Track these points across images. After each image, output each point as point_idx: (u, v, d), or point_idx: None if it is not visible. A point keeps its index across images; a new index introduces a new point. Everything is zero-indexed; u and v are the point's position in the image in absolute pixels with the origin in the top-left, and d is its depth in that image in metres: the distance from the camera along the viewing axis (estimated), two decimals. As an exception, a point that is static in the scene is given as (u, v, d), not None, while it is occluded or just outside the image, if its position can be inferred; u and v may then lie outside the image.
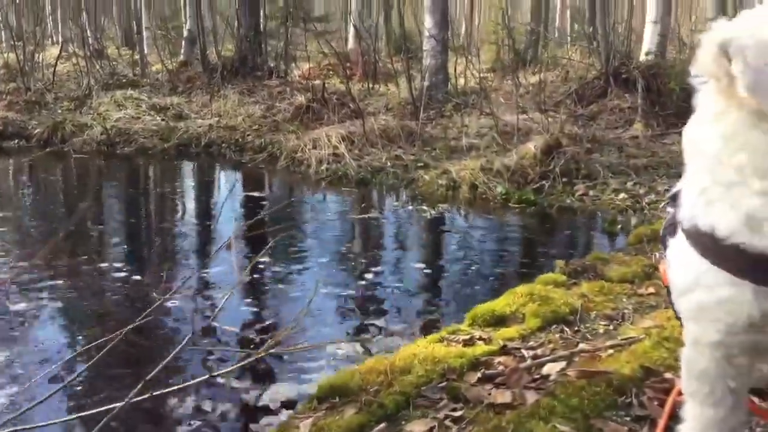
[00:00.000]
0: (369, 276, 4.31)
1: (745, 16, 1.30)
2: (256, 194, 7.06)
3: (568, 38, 18.04)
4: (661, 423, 1.75)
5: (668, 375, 2.13)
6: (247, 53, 12.00)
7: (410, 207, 6.27)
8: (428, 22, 9.99)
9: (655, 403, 1.94)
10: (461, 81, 10.80)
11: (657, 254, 1.65)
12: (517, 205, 6.04)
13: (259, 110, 9.64)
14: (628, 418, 1.91)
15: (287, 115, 9.19)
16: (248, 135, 8.75)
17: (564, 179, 6.51)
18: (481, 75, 13.20)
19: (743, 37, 1.22)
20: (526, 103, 9.33)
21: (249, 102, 10.22)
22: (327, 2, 23.01)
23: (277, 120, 9.13)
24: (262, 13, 13.02)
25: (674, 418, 1.92)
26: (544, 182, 6.45)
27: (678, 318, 1.54)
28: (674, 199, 1.54)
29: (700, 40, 1.33)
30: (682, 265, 1.40)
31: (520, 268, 4.36)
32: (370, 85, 11.94)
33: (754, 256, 1.24)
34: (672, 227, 1.50)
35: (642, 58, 10.57)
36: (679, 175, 5.35)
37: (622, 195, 6.13)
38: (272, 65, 12.49)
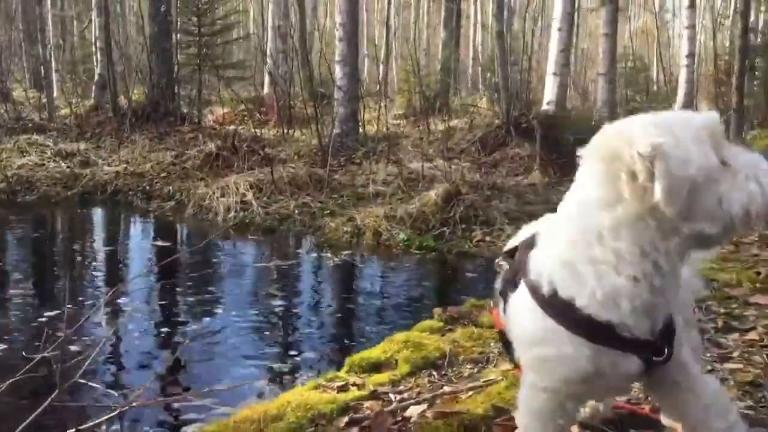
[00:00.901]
0: (267, 323, 4.44)
1: (670, 122, 1.39)
2: (160, 243, 7.07)
3: (480, 87, 18.88)
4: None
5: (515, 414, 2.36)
6: (159, 99, 12.02)
7: (315, 254, 6.43)
8: (338, 72, 10.32)
9: (494, 438, 2.16)
10: (374, 127, 11.14)
11: (491, 302, 1.86)
12: (417, 252, 6.29)
13: (169, 157, 9.67)
14: (475, 455, 2.11)
15: (197, 162, 9.25)
16: (156, 182, 8.77)
17: (463, 226, 6.82)
18: (393, 122, 13.69)
19: (672, 147, 1.32)
20: (434, 151, 9.71)
21: (159, 148, 10.23)
22: (242, 48, 23.20)
23: (187, 167, 9.18)
24: (175, 59, 13.08)
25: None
26: (444, 229, 6.75)
27: (513, 362, 1.75)
28: (511, 256, 1.74)
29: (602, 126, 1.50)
30: (528, 320, 1.56)
31: (412, 313, 4.57)
32: (285, 130, 12.13)
33: (601, 324, 1.45)
34: (512, 283, 1.68)
35: (544, 107, 11.22)
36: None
37: (516, 241, 6.49)
38: (185, 111, 12.53)
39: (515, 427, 2.24)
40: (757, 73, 15.66)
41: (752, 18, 17.03)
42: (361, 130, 10.77)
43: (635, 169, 1.33)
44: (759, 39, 16.10)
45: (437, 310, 3.43)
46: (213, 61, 13.66)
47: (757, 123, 14.05)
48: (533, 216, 6.42)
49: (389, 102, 16.13)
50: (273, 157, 9.25)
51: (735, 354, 2.94)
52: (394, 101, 16.40)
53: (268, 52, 15.90)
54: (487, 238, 6.62)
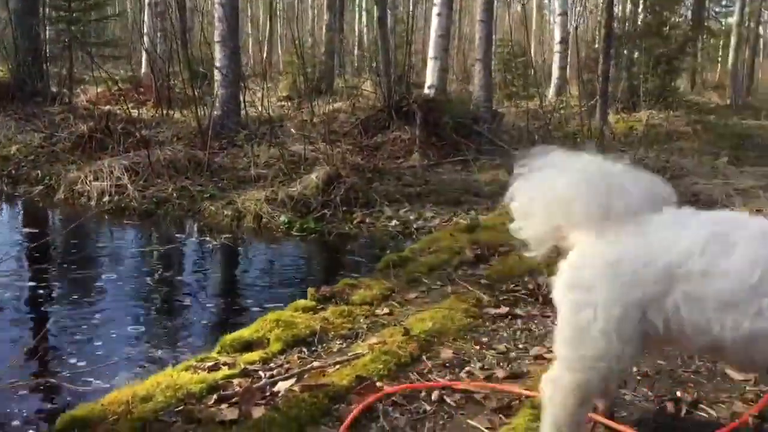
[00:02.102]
0: (144, 307, 4.41)
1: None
2: (28, 229, 6.76)
3: (366, 69, 19.02)
4: (350, 416, 2.13)
5: (379, 383, 2.52)
6: (26, 77, 11.37)
7: (194, 238, 6.37)
8: (218, 53, 10.13)
9: (353, 405, 2.31)
10: (257, 110, 11.02)
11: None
12: (298, 234, 6.36)
13: (38, 139, 9.19)
14: (338, 422, 2.24)
15: (68, 144, 8.84)
16: (24, 166, 8.33)
17: (344, 208, 6.94)
18: (277, 104, 13.60)
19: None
20: (317, 134, 9.76)
21: (26, 130, 9.71)
22: (118, 26, 22.21)
23: (57, 150, 8.77)
24: (43, 35, 12.38)
25: (370, 416, 2.30)
26: (325, 211, 6.84)
27: None
28: None
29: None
30: None
31: (291, 293, 4.64)
32: (164, 112, 11.79)
33: None
34: None
35: (425, 91, 11.49)
36: (447, 202, 5.99)
37: (394, 222, 6.68)
38: (55, 91, 11.91)
39: (374, 394, 2.40)
40: (621, 60, 16.69)
41: (618, 7, 18.13)
42: (243, 112, 10.64)
43: None
44: (625, 27, 17.11)
45: (310, 290, 3.55)
46: (85, 38, 13.03)
47: (621, 108, 14.98)
48: (411, 198, 6.71)
49: (273, 84, 15.99)
50: (150, 139, 8.99)
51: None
52: (277, 83, 16.25)
53: (144, 30, 15.33)
54: (367, 220, 6.78)
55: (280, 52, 24.63)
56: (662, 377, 2.65)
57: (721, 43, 24.56)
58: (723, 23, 24.07)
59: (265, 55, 20.38)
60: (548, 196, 1.93)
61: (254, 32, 27.79)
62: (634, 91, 15.81)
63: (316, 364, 2.68)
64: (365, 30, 23.70)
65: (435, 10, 11.64)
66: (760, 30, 26.40)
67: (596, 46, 17.71)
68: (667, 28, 16.88)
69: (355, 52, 23.77)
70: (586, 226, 1.91)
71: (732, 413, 2.37)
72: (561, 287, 1.92)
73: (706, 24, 21.45)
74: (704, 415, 2.38)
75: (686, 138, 12.00)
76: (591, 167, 1.95)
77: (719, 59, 26.06)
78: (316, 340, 2.95)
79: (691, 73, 22.15)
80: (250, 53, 24.39)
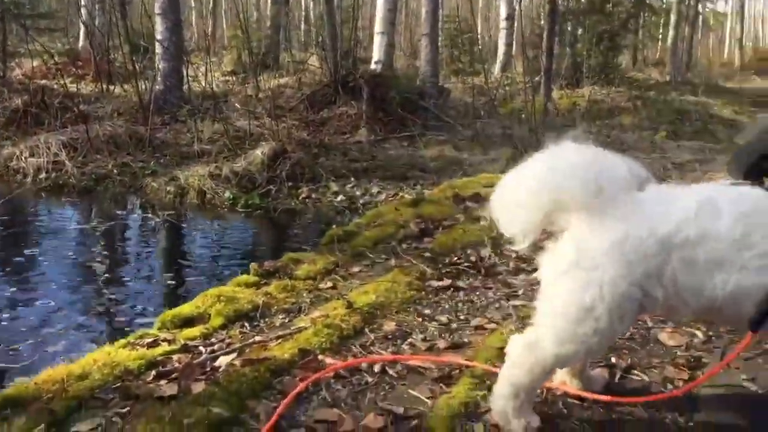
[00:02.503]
0: (84, 284, 4.31)
1: None
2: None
3: (313, 44, 18.79)
4: (294, 391, 2.13)
5: (321, 357, 2.52)
6: (-45, 50, 10.89)
7: (136, 215, 6.24)
8: (159, 25, 9.88)
9: (297, 378, 2.31)
10: (201, 85, 10.81)
11: None
12: (243, 210, 6.30)
13: (-32, 114, 8.85)
14: (279, 395, 2.24)
15: (2, 119, 8.54)
16: (-48, 142, 8.02)
17: (290, 183, 6.91)
18: (222, 79, 13.35)
19: None
20: (262, 109, 9.63)
21: (-44, 104, 9.32)
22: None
23: (-12, 125, 8.46)
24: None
25: (313, 389, 2.30)
26: (271, 186, 6.79)
27: None
28: None
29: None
30: None
31: (235, 269, 4.60)
32: (104, 87, 11.47)
33: None
34: None
35: (372, 66, 11.42)
36: (393, 177, 5.98)
37: (341, 197, 6.67)
38: (-14, 64, 11.45)
39: (317, 369, 2.41)
40: (565, 37, 16.91)
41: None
42: (186, 87, 10.42)
43: None
44: (569, 4, 17.30)
45: (253, 265, 3.52)
46: (19, 9, 12.52)
47: (565, 84, 15.18)
48: (358, 173, 6.69)
49: (217, 59, 15.68)
50: (89, 114, 8.75)
51: (520, 292, 3.30)
52: (222, 58, 15.94)
53: (82, 2, 14.81)
54: (313, 195, 6.76)
55: (224, 26, 24.13)
56: (598, 344, 2.71)
57: (662, 20, 25.05)
58: (664, 1, 24.53)
59: (209, 29, 19.96)
60: (539, 185, 1.94)
61: (197, 5, 27.15)
62: (578, 68, 16.04)
63: (258, 338, 2.66)
64: (312, 4, 23.38)
65: (381, -16, 11.54)
66: (699, 8, 27.02)
67: (541, 22, 17.88)
68: (610, 5, 17.13)
69: (302, 26, 23.48)
70: (581, 210, 1.93)
71: (663, 377, 2.46)
72: (560, 266, 1.94)
73: (647, 1, 21.83)
74: (637, 379, 2.45)
75: (627, 113, 12.26)
76: (579, 153, 1.96)
77: (660, 36, 26.62)
78: (258, 314, 2.93)
79: (632, 49, 22.59)
80: (194, 27, 23.85)
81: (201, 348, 2.58)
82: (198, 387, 2.23)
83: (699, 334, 2.83)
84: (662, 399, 2.22)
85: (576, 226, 1.93)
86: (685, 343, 2.74)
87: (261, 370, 2.33)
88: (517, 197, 1.96)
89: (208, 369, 2.40)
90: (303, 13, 23.76)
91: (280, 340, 2.63)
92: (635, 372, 2.50)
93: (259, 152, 7.10)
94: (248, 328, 2.82)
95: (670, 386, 2.39)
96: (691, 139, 10.50)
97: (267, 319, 2.92)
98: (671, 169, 7.96)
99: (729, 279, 1.84)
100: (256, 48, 13.94)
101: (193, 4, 27.18)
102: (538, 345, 1.99)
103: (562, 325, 1.95)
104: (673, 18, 21.01)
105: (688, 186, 2.06)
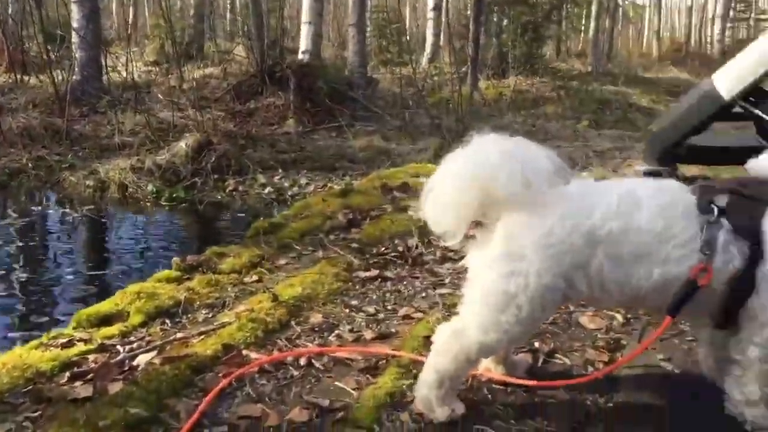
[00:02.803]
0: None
1: None
2: None
3: (239, 34, 18.44)
4: (217, 388, 2.07)
5: (245, 351, 2.47)
6: None
7: (53, 210, 5.99)
8: (76, 13, 9.50)
9: (220, 375, 2.26)
10: (122, 75, 10.45)
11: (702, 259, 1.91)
12: (167, 204, 6.13)
13: None
14: (201, 393, 2.18)
15: None
16: None
17: (216, 176, 6.77)
18: (144, 69, 12.95)
19: None
20: (187, 100, 9.40)
21: None
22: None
23: None
24: None
25: (236, 384, 2.26)
26: (196, 179, 6.63)
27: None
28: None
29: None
30: None
31: (158, 265, 4.48)
32: (18, 77, 10.96)
33: None
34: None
35: (300, 56, 11.29)
36: (322, 168, 5.91)
37: (268, 188, 6.58)
38: None
39: (241, 364, 2.36)
40: (491, 28, 17.14)
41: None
42: (105, 77, 10.06)
43: None
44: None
45: (176, 260, 3.42)
46: None
47: (492, 74, 15.41)
48: (286, 164, 6.59)
49: (139, 48, 15.21)
50: (2, 106, 8.34)
51: (447, 281, 3.32)
52: (144, 48, 15.47)
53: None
54: (240, 187, 6.64)
55: (147, 14, 23.42)
56: (522, 330, 2.75)
57: (584, 12, 25.69)
58: (585, -7, 25.14)
59: (130, 17, 19.34)
60: (465, 182, 1.93)
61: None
62: (504, 58, 16.30)
63: (179, 335, 2.59)
64: (237, -7, 22.95)
65: (307, -27, 11.41)
66: (619, 0, 27.84)
67: (468, 13, 18.08)
68: (534, -4, 17.46)
69: (227, 15, 23.02)
70: (509, 204, 1.94)
71: (585, 360, 2.51)
72: (488, 256, 1.96)
73: (570, -7, 22.35)
74: (559, 362, 2.50)
75: (551, 103, 12.55)
76: (502, 146, 1.96)
77: (582, 28, 27.29)
78: (180, 310, 2.85)
79: (556, 40, 23.10)
80: (114, 16, 23.07)
81: (119, 347, 2.49)
82: (115, 387, 2.15)
83: (618, 317, 2.90)
84: (583, 382, 2.27)
85: (505, 218, 1.95)
86: (605, 326, 2.82)
87: (182, 368, 2.26)
88: (445, 197, 1.96)
89: (126, 368, 2.32)
90: (228, 2, 23.28)
91: (202, 337, 2.56)
92: (557, 356, 2.54)
93: (183, 144, 6.92)
94: (169, 325, 2.74)
95: (590, 368, 2.45)
96: (611, 127, 10.83)
97: (189, 315, 2.84)
98: (593, 157, 8.19)
99: (652, 271, 1.90)
100: (180, 37, 13.60)
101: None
102: (463, 333, 2.00)
103: (486, 314, 1.96)
104: (594, 10, 21.57)
105: (610, 179, 2.10)
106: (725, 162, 2.66)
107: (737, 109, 2.60)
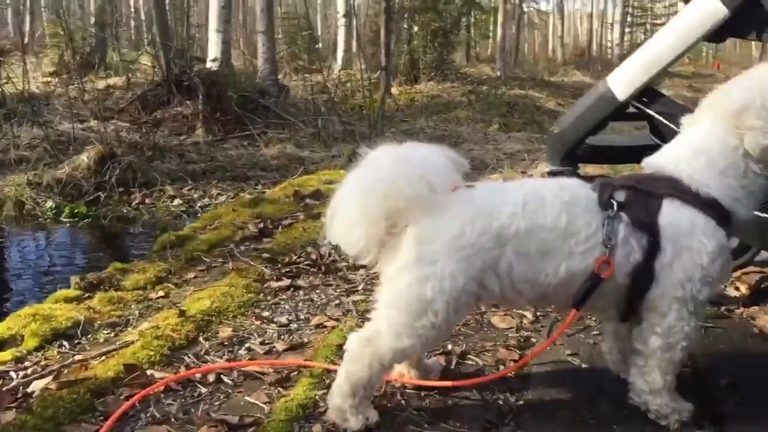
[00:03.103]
0: None
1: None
2: None
3: (143, 43, 17.89)
4: (118, 411, 1.97)
5: (150, 371, 2.36)
6: None
7: (-60, 230, 5.62)
8: (-36, 22, 8.98)
9: (123, 396, 2.15)
10: (18, 87, 9.93)
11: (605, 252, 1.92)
12: (69, 220, 5.86)
13: None
14: (102, 418, 2.07)
15: None
16: None
17: (121, 189, 6.52)
18: (42, 80, 12.39)
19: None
20: (90, 111, 9.04)
21: None
22: None
23: None
24: None
25: (140, 406, 2.16)
26: (100, 193, 6.37)
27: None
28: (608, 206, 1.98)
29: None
30: (711, 235, 2.00)
31: (59, 284, 4.26)
32: None
33: None
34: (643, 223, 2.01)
35: (209, 64, 11.05)
36: (234, 178, 5.76)
37: (177, 200, 6.39)
38: None
39: (146, 384, 2.25)
40: (402, 34, 17.32)
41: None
42: (0, 89, 9.54)
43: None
44: (404, 2, 17.71)
45: (75, 278, 3.26)
46: None
47: (404, 80, 15.57)
48: (196, 175, 6.38)
49: (37, 59, 14.55)
50: None
51: (360, 288, 3.30)
52: (43, 58, 14.80)
53: None
54: (148, 200, 6.43)
55: (44, 23, 22.45)
56: (435, 333, 2.76)
57: (492, 19, 26.34)
58: (492, 0, 25.80)
59: (27, 26, 18.48)
60: (367, 199, 1.90)
61: (13, 1, 25.06)
62: (415, 64, 16.50)
63: (78, 357, 2.45)
64: (141, 1, 22.32)
65: (214, -19, 11.19)
66: (524, 7, 28.70)
67: (378, 20, 18.19)
68: (442, 3, 17.76)
69: (131, 24, 22.36)
70: (415, 209, 1.93)
71: (496, 360, 2.54)
72: (400, 261, 1.93)
73: (476, 0, 22.87)
74: (472, 363, 2.52)
75: (462, 107, 12.78)
76: (398, 153, 1.94)
77: (490, 34, 27.98)
78: (79, 332, 2.71)
79: (465, 46, 23.59)
80: (9, 26, 22.02)
81: (12, 373, 2.34)
82: (7, 416, 2.01)
83: (528, 315, 2.95)
84: (494, 380, 2.29)
85: (414, 223, 1.94)
86: (515, 325, 2.86)
87: (81, 392, 2.14)
88: (350, 218, 1.93)
89: (20, 395, 2.18)
90: (132, 10, 22.62)
91: (103, 358, 2.44)
92: (470, 357, 2.56)
93: (85, 157, 6.64)
94: (67, 347, 2.59)
95: (502, 367, 2.47)
96: (520, 130, 11.13)
97: (89, 336, 2.71)
98: (503, 159, 8.38)
99: (559, 266, 1.94)
100: (80, 47, 13.08)
101: (8, 1, 25.05)
102: (376, 340, 1.98)
103: (400, 319, 1.95)
104: (500, 17, 22.15)
105: (514, 180, 2.13)
106: (623, 161, 2.75)
107: (632, 110, 2.69)
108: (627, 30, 32.37)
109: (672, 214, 1.94)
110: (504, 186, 2.07)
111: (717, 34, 2.39)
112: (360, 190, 1.92)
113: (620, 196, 1.97)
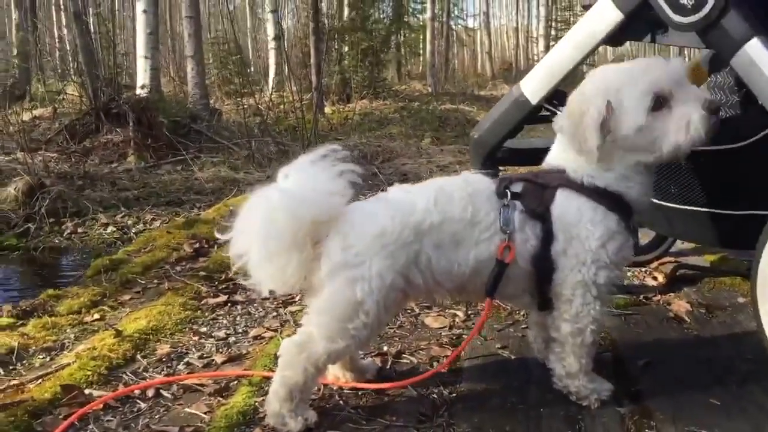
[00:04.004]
0: None
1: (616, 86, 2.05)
2: None
3: (69, 72, 17.52)
4: (61, 426, 1.99)
5: (88, 390, 2.37)
6: None
7: None
8: None
9: (61, 416, 2.16)
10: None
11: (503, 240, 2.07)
12: (-2, 253, 5.71)
13: None
14: (40, 438, 2.08)
15: None
16: None
17: (52, 219, 6.38)
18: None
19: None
20: (15, 143, 8.82)
21: None
22: None
23: None
24: None
25: (79, 425, 2.17)
26: (29, 225, 6.22)
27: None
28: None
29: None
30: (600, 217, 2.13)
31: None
32: None
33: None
34: (536, 210, 2.16)
35: (138, 91, 10.93)
36: (168, 203, 5.72)
37: (111, 228, 6.30)
38: None
39: (83, 403, 2.26)
40: (332, 54, 17.46)
41: (324, 3, 18.91)
42: None
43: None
44: (334, 23, 17.90)
45: (6, 306, 3.22)
46: None
47: (337, 100, 15.69)
48: (129, 202, 6.30)
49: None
50: None
51: (297, 298, 3.36)
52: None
53: None
54: (80, 230, 6.31)
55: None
56: (371, 337, 2.84)
57: (421, 37, 26.80)
58: (420, 18, 26.27)
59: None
60: (279, 228, 1.95)
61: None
62: (347, 83, 16.65)
63: (13, 382, 2.44)
64: (65, 31, 21.86)
65: (140, 7, 11.11)
66: (452, 24, 29.31)
67: (308, 41, 18.26)
68: (370, 23, 18.02)
69: (57, 54, 21.85)
70: (334, 218, 2.01)
71: (430, 357, 2.64)
72: (327, 266, 1.99)
73: (405, 19, 23.27)
74: (407, 362, 2.61)
75: (395, 123, 12.96)
76: (296, 179, 2.02)
77: (420, 51, 28.45)
78: (14, 358, 2.68)
79: (396, 64, 23.93)
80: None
81: (-56, 402, 2.30)
82: (-60, 445, 2.00)
83: (460, 314, 3.07)
84: (428, 377, 2.38)
85: (335, 230, 2.02)
86: (448, 324, 2.97)
87: (18, 414, 2.14)
88: (266, 251, 1.97)
89: (-47, 425, 2.15)
90: (56, 40, 22.13)
91: (39, 381, 2.43)
92: (405, 356, 2.65)
93: (12, 189, 6.49)
94: (2, 373, 2.57)
95: (436, 363, 2.57)
96: (452, 143, 11.36)
97: (25, 362, 2.68)
98: (436, 171, 8.56)
99: (469, 254, 2.05)
100: (3, 78, 12.75)
101: None
102: (309, 344, 2.04)
103: (332, 323, 2.02)
104: (428, 34, 22.58)
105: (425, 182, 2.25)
106: (539, 162, 2.90)
107: (544, 112, 2.84)
108: (551, 43, 33.38)
109: (563, 204, 2.08)
110: (416, 187, 2.17)
111: (615, 38, 2.56)
112: (269, 224, 1.95)
113: (517, 187, 2.12)
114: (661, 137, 1.99)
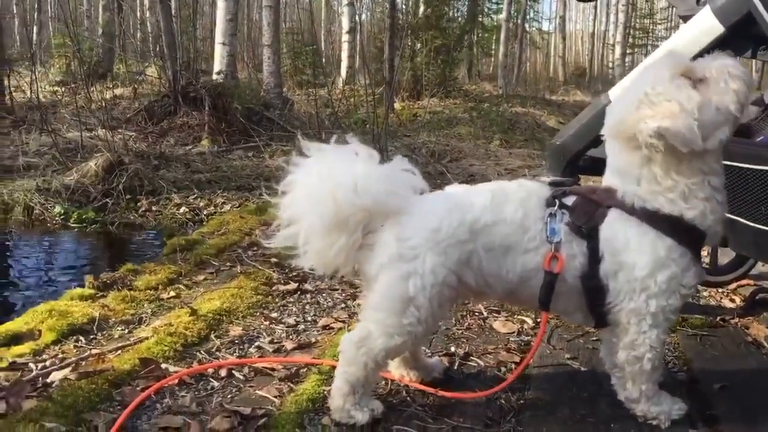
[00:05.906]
0: None
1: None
2: None
3: (150, 54, 18.04)
4: (136, 400, 2.05)
5: (164, 365, 2.45)
6: None
7: (-48, 234, 5.70)
8: (-25, 30, 9.12)
9: (139, 388, 2.24)
10: (26, 95, 10.07)
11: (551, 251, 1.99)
12: (77, 225, 5.94)
13: None
14: (119, 407, 2.15)
15: None
16: None
17: (128, 196, 6.60)
18: (50, 89, 12.52)
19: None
20: (97, 120, 9.14)
21: None
22: None
23: None
24: None
25: (156, 397, 2.24)
26: (107, 200, 6.45)
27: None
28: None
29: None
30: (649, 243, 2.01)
31: (67, 285, 4.33)
32: None
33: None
34: (582, 226, 2.06)
35: (214, 76, 11.19)
36: (239, 188, 5.89)
37: (183, 209, 6.47)
38: None
39: (160, 377, 2.34)
40: (405, 51, 17.49)
41: None
42: (8, 97, 9.67)
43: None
44: (408, 19, 17.92)
45: (89, 278, 3.35)
46: None
47: (407, 96, 15.71)
48: (201, 184, 6.50)
49: (45, 68, 14.71)
50: None
51: (364, 292, 3.38)
52: (50, 67, 14.96)
53: None
54: (154, 208, 6.51)
55: (52, 33, 22.66)
56: (439, 336, 2.86)
57: (494, 37, 26.58)
58: (494, 19, 26.05)
59: (34, 36, 18.66)
60: (342, 207, 1.97)
61: (20, 11, 25.27)
62: (418, 80, 16.65)
63: (94, 351, 2.54)
64: (147, 13, 22.55)
65: (221, -6, 11.35)
66: (526, 26, 28.97)
67: (382, 36, 18.34)
68: (445, 21, 17.95)
69: (138, 35, 22.54)
70: (393, 209, 2.02)
71: (498, 362, 2.63)
72: (382, 259, 2.00)
73: (479, 19, 23.11)
74: (474, 365, 2.60)
75: (464, 123, 12.89)
76: (357, 164, 2.05)
77: (492, 52, 28.22)
78: (94, 327, 2.80)
79: (467, 64, 23.78)
80: (16, 35, 22.22)
81: (31, 365, 2.42)
82: (29, 404, 2.09)
83: (528, 321, 3.05)
84: (497, 391, 2.34)
85: (390, 221, 2.03)
86: (516, 330, 2.95)
87: (99, 383, 2.23)
88: (320, 224, 2.00)
89: (40, 385, 2.26)
90: (138, 21, 22.84)
91: (119, 352, 2.53)
92: (472, 358, 2.65)
93: (93, 164, 6.73)
94: (84, 342, 2.68)
95: (503, 369, 2.56)
96: (521, 146, 11.23)
97: (105, 332, 2.79)
98: (504, 174, 8.48)
99: (516, 261, 2.02)
100: (88, 57, 13.23)
101: (15, 11, 25.27)
102: (368, 340, 2.04)
103: (388, 318, 2.01)
104: (502, 35, 22.37)
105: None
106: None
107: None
108: (628, 51, 32.62)
109: (612, 226, 1.99)
110: (476, 186, 2.15)
111: (713, 51, 2.49)
112: (330, 201, 1.97)
113: (569, 200, 2.05)
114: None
